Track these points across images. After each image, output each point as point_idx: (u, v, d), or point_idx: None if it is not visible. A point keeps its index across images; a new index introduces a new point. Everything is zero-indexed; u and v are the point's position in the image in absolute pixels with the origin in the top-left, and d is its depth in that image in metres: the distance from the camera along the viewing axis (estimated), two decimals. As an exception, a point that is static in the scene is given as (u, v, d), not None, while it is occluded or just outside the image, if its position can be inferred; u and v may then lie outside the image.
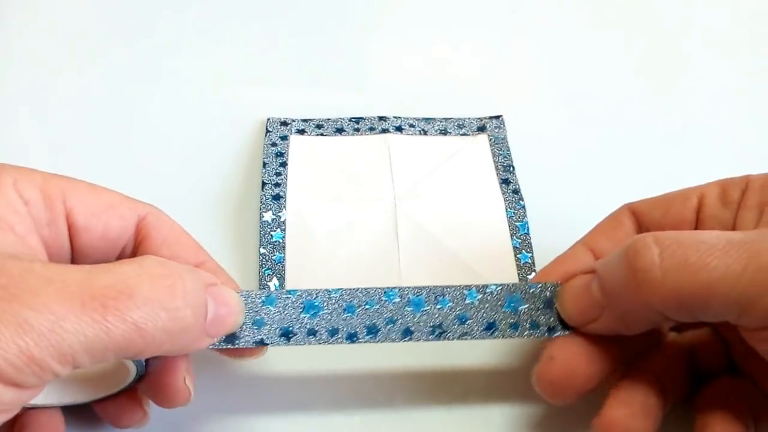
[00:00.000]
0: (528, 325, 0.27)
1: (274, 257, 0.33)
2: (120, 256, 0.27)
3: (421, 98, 0.42)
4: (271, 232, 0.34)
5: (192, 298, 0.22)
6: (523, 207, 0.35)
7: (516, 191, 0.36)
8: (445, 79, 0.44)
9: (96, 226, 0.25)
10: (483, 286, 0.27)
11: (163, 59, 0.44)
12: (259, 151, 0.38)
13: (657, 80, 0.44)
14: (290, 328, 0.26)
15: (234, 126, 0.40)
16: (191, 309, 0.22)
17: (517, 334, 0.27)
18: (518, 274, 0.33)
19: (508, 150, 0.38)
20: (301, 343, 0.26)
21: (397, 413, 0.29)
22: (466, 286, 0.27)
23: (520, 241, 0.34)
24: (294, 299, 0.27)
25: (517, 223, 0.35)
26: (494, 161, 0.38)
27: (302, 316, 0.27)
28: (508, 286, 0.28)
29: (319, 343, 0.26)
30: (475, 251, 0.34)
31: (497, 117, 0.40)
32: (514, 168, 0.37)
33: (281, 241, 0.33)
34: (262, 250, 0.33)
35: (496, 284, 0.28)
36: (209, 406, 0.29)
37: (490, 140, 0.39)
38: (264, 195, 0.35)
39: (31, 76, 0.43)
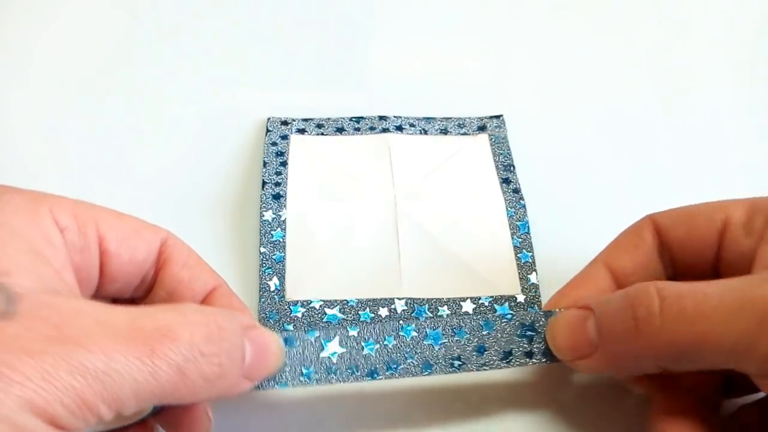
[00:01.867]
0: (540, 353, 0.27)
1: (274, 256, 0.33)
2: (143, 279, 0.27)
3: (422, 99, 0.42)
4: (272, 231, 0.34)
5: (229, 344, 0.23)
6: (524, 206, 0.35)
7: (516, 190, 0.36)
8: (446, 79, 0.44)
9: (125, 251, 0.25)
10: (499, 316, 0.28)
11: (164, 60, 0.44)
12: (260, 151, 0.38)
13: (658, 80, 0.44)
14: (311, 369, 0.26)
15: (234, 126, 0.40)
16: (227, 355, 0.22)
17: (531, 361, 0.27)
18: (518, 273, 0.33)
19: (509, 149, 0.38)
20: (323, 382, 0.26)
21: (398, 410, 0.29)
22: (482, 316, 0.28)
23: (520, 240, 0.34)
24: (313, 340, 0.27)
25: (517, 223, 0.35)
26: (495, 161, 0.38)
27: (322, 355, 0.27)
28: (522, 315, 0.28)
29: (340, 382, 0.26)
30: (475, 251, 0.34)
31: (498, 116, 0.40)
32: (514, 167, 0.37)
33: (281, 240, 0.33)
34: (263, 249, 0.33)
35: (511, 314, 0.28)
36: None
37: (491, 140, 0.39)
38: (264, 194, 0.35)
39: (31, 77, 0.43)
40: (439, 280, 0.33)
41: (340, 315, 0.30)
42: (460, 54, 0.46)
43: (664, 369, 0.25)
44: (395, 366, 0.27)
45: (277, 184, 0.36)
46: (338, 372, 0.27)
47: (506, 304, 0.32)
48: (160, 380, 0.20)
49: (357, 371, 0.27)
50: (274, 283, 0.32)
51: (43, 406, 0.18)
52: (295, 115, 0.40)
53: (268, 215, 0.34)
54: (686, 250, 0.27)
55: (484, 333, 0.27)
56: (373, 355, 0.27)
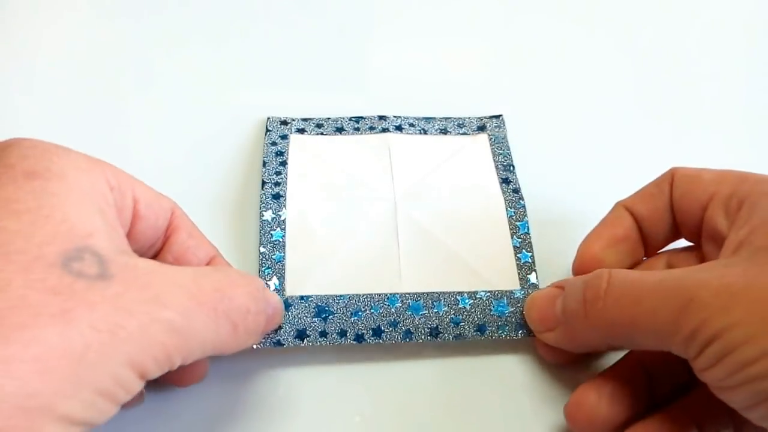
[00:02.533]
0: (513, 327, 0.31)
1: (274, 256, 0.33)
2: (153, 243, 0.28)
3: (421, 99, 0.42)
4: (271, 231, 0.34)
5: (263, 303, 0.25)
6: (524, 206, 0.35)
7: (516, 190, 0.36)
8: (446, 79, 0.44)
9: (151, 215, 0.27)
10: (473, 292, 0.31)
11: (164, 61, 0.44)
12: (260, 151, 0.38)
13: (657, 80, 0.44)
14: (304, 330, 0.30)
15: (234, 126, 0.40)
16: (263, 312, 0.25)
17: (504, 334, 0.31)
18: (518, 273, 0.33)
19: (509, 149, 0.38)
20: (314, 343, 0.30)
21: (398, 409, 0.29)
22: (459, 292, 0.31)
23: (520, 240, 0.34)
24: (307, 305, 0.30)
25: (517, 223, 0.35)
26: (494, 160, 0.38)
27: (315, 319, 0.30)
28: (495, 292, 0.32)
29: (330, 344, 0.30)
30: (475, 251, 0.34)
31: (497, 116, 0.40)
32: (514, 167, 0.37)
33: (281, 240, 0.33)
34: (262, 249, 0.33)
35: (485, 291, 0.32)
36: (208, 404, 0.29)
37: (491, 140, 0.39)
38: (264, 194, 0.35)
39: (31, 75, 0.43)
40: (439, 280, 0.33)
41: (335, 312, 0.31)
42: (460, 54, 0.46)
43: (611, 347, 0.27)
44: (380, 332, 0.30)
45: (277, 184, 0.35)
46: (329, 335, 0.30)
47: (504, 299, 0.32)
48: (219, 335, 0.23)
49: (345, 335, 0.30)
50: (273, 282, 0.32)
51: (138, 361, 0.20)
52: (295, 115, 0.40)
53: (268, 215, 0.34)
54: (680, 210, 0.29)
55: (460, 307, 0.31)
56: (361, 321, 0.30)
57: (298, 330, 0.30)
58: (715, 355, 0.22)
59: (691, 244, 0.30)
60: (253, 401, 0.29)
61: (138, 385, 0.21)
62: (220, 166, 0.38)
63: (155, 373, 0.21)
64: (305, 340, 0.30)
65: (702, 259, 0.29)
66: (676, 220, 0.29)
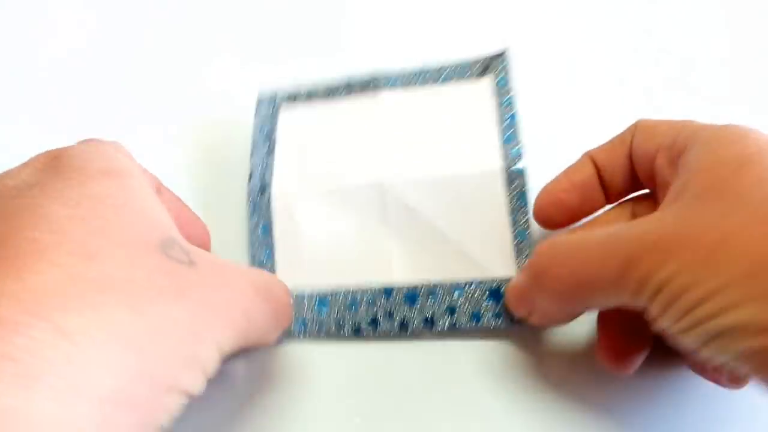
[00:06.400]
0: (509, 315, 0.30)
1: (263, 251, 0.33)
2: None
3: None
4: (260, 225, 0.34)
5: (291, 299, 0.28)
6: (522, 172, 0.32)
7: (518, 155, 0.32)
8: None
9: (163, 201, 0.28)
10: (468, 282, 0.31)
11: (156, 56, 0.43)
12: (247, 132, 0.36)
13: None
14: (305, 324, 0.31)
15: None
16: (292, 307, 0.28)
17: (500, 323, 0.30)
18: (515, 256, 0.31)
19: (514, 99, 0.33)
20: (313, 337, 0.31)
21: (400, 414, 0.30)
22: (453, 283, 0.31)
23: (518, 219, 0.31)
24: (307, 299, 0.32)
25: (516, 199, 0.32)
26: (498, 114, 0.34)
27: (314, 312, 0.31)
28: (488, 281, 0.31)
29: (328, 336, 0.31)
30: (468, 232, 0.32)
31: (500, 55, 0.35)
32: (516, 116, 0.33)
33: (269, 233, 0.33)
34: (252, 243, 0.33)
35: (478, 281, 0.31)
36: (204, 405, 0.29)
37: (495, 85, 0.35)
38: (251, 187, 0.34)
39: (15, 66, 0.43)
40: (431, 265, 0.32)
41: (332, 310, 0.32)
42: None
43: (573, 314, 0.27)
44: (375, 323, 0.31)
45: (263, 176, 0.35)
46: (326, 329, 0.31)
47: (498, 287, 0.31)
48: (266, 323, 0.25)
49: (343, 328, 0.31)
50: None
51: (222, 339, 0.22)
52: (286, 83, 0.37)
53: (255, 209, 0.34)
54: (636, 159, 0.29)
55: (455, 296, 0.31)
56: (358, 313, 0.31)
57: (298, 322, 0.31)
58: (662, 305, 0.22)
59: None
60: (251, 402, 0.30)
61: (217, 363, 0.22)
62: (207, 150, 0.37)
63: (229, 352, 0.23)
64: (306, 331, 0.31)
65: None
66: (634, 169, 0.29)
